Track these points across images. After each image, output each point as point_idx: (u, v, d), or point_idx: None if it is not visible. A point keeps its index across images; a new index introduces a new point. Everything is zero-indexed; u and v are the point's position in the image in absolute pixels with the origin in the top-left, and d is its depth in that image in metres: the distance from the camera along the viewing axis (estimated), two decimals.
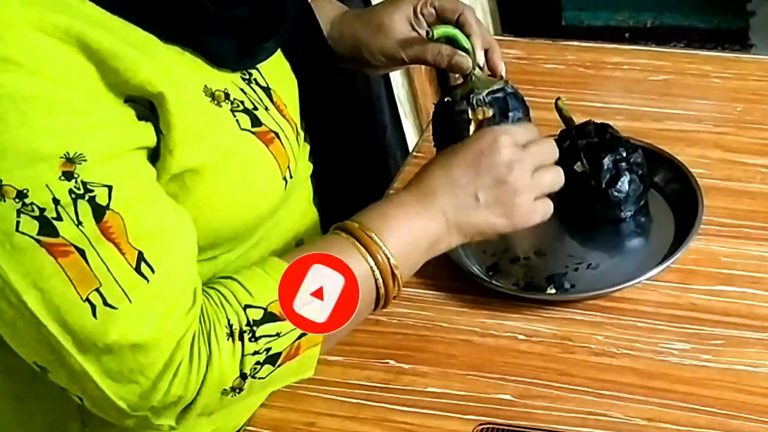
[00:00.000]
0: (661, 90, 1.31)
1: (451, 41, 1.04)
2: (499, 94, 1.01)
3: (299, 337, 0.85)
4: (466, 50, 1.03)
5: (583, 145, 1.09)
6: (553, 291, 1.04)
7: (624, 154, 1.09)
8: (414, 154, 1.30)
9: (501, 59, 1.07)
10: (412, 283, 1.08)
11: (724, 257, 1.07)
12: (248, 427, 0.98)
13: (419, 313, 1.06)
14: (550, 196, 0.97)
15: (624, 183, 1.08)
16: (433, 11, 1.08)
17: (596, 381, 0.97)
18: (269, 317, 0.84)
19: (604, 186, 1.08)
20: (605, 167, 1.08)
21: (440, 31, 1.02)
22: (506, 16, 2.50)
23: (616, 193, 1.08)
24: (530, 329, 1.03)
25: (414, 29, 1.09)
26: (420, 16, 1.09)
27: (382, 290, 0.90)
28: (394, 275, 0.90)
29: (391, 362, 1.01)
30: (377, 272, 0.89)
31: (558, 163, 1.12)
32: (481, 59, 1.04)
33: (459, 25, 1.05)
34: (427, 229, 0.93)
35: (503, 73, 1.06)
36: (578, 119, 1.13)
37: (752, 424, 0.91)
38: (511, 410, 0.95)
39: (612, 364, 0.98)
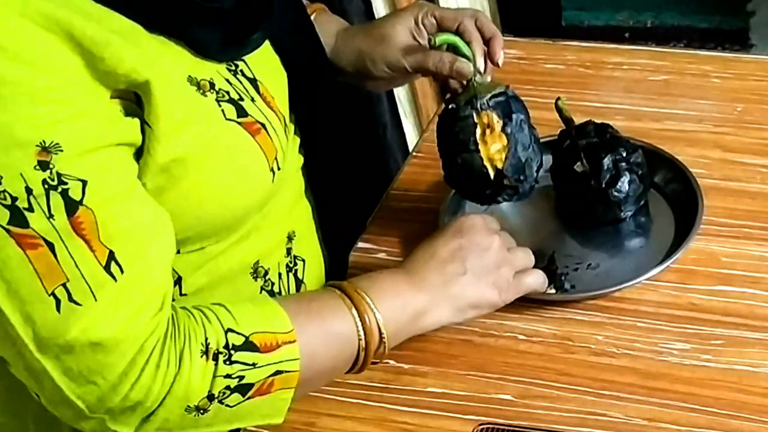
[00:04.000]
0: (661, 90, 1.31)
1: (452, 48, 1.05)
2: (501, 98, 1.02)
3: (274, 374, 0.86)
4: (467, 57, 1.04)
5: (583, 145, 1.09)
6: (553, 291, 1.04)
7: (624, 154, 1.09)
8: (414, 154, 1.30)
9: (501, 48, 1.07)
10: None
11: (724, 257, 1.07)
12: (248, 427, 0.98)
13: None
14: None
15: (624, 183, 1.08)
16: (434, 21, 1.09)
17: (596, 381, 0.97)
18: (249, 346, 0.84)
19: (604, 186, 1.08)
20: (605, 167, 1.08)
21: (442, 38, 1.05)
22: (506, 16, 2.50)
23: (616, 193, 1.08)
24: (530, 329, 1.03)
25: (415, 39, 1.10)
26: (421, 27, 1.10)
27: (362, 352, 0.91)
28: (381, 336, 0.91)
29: (391, 362, 1.01)
30: (362, 332, 0.90)
31: (558, 162, 1.12)
32: (481, 65, 1.05)
33: (459, 33, 1.06)
34: (415, 299, 0.95)
35: (500, 62, 1.07)
36: (578, 119, 1.13)
37: (752, 424, 0.91)
38: (511, 410, 0.95)
39: (612, 364, 0.98)
